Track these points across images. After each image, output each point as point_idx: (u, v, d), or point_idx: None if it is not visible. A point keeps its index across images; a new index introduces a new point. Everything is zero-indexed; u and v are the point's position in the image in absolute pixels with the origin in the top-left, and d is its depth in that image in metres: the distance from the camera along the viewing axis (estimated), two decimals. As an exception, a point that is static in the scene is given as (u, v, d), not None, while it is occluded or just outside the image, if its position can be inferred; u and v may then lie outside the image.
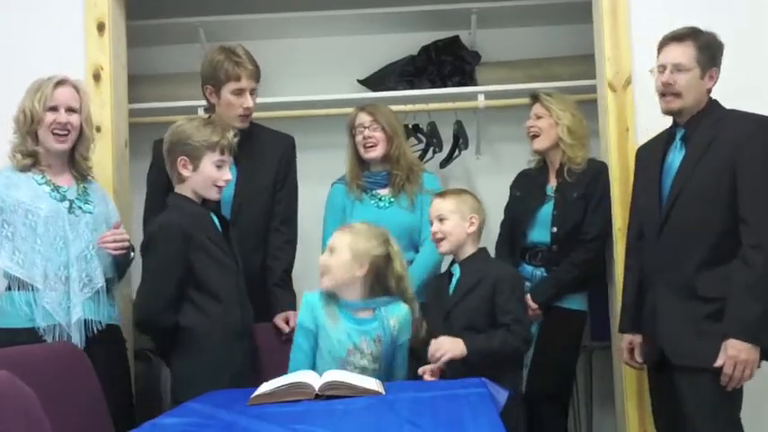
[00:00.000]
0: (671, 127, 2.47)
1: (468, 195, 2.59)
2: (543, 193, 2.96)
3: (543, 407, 2.79)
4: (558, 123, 2.92)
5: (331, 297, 2.42)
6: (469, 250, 2.52)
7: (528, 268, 2.92)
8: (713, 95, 2.42)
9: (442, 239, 2.52)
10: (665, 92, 2.37)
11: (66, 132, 2.45)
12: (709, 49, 2.36)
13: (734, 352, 2.17)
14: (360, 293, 2.41)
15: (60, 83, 2.47)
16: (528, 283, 2.82)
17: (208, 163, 2.40)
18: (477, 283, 2.44)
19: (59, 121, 2.43)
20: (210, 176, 2.40)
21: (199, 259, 2.35)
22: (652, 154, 2.50)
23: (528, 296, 2.77)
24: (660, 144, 2.48)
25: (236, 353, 2.39)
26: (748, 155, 2.25)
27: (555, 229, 2.88)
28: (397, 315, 2.45)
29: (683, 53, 2.35)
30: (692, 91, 2.35)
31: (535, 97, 3.03)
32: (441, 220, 2.52)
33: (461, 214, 2.50)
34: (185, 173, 2.41)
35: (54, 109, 2.43)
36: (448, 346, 2.33)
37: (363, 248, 2.42)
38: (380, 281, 2.44)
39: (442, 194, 2.60)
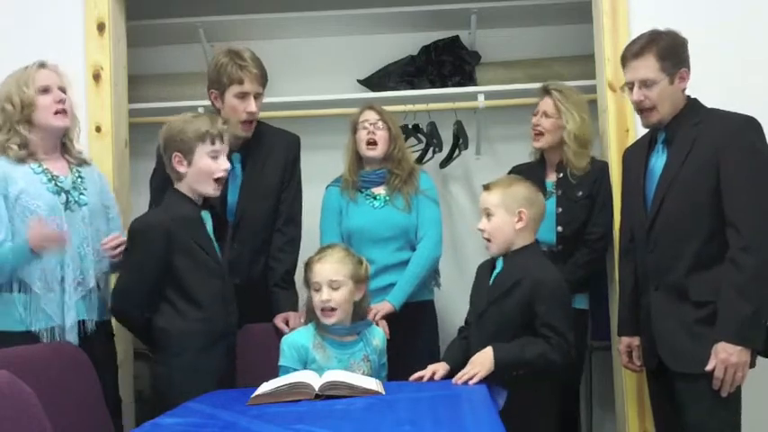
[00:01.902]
0: (652, 129, 2.47)
1: (518, 186, 2.40)
2: (543, 189, 2.85)
3: None
4: (565, 128, 2.84)
5: (321, 329, 2.39)
6: (520, 244, 2.36)
7: None
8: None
9: (488, 240, 2.37)
10: (640, 108, 2.37)
11: (65, 110, 2.41)
12: (671, 53, 2.33)
13: (724, 355, 2.16)
14: (350, 319, 2.41)
15: (43, 65, 2.43)
16: None
17: (201, 154, 2.37)
18: (516, 284, 2.28)
19: (60, 98, 2.39)
20: (206, 168, 2.38)
21: (181, 262, 2.33)
22: (636, 157, 2.50)
23: None
24: (643, 147, 2.48)
25: (216, 356, 2.37)
26: (731, 156, 2.23)
27: (560, 229, 2.84)
28: (377, 336, 2.46)
29: (645, 68, 2.32)
30: (667, 100, 2.34)
31: (546, 91, 2.92)
32: (487, 215, 2.36)
33: (508, 208, 2.33)
34: (181, 169, 2.40)
35: (46, 90, 2.39)
36: (478, 368, 2.17)
37: (363, 274, 2.43)
38: (359, 303, 2.44)
39: (488, 186, 2.41)
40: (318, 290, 2.36)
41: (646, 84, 2.32)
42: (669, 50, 2.33)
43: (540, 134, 2.91)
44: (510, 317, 2.28)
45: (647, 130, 2.54)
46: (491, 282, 2.37)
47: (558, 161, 2.92)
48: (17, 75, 2.41)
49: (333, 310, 2.35)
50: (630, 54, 2.36)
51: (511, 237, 2.35)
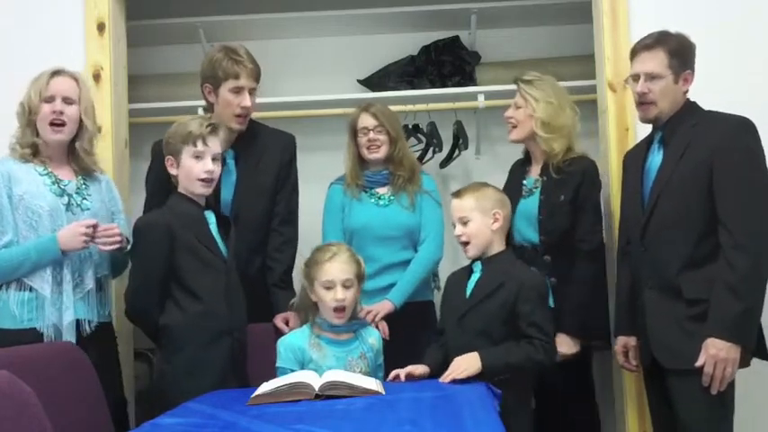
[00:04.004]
0: (651, 130, 2.49)
1: (489, 189, 2.43)
2: (519, 186, 2.80)
3: (572, 406, 2.72)
4: (533, 116, 2.72)
5: (317, 328, 2.40)
6: (495, 248, 2.38)
7: None
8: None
9: (466, 243, 2.37)
10: (642, 101, 2.39)
11: (61, 122, 2.41)
12: (680, 54, 2.37)
13: (713, 350, 2.18)
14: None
15: (57, 73, 2.44)
16: None
17: (186, 157, 2.40)
18: (499, 287, 2.29)
19: (55, 109, 2.40)
20: (190, 170, 2.40)
21: (183, 259, 2.36)
22: (635, 158, 2.52)
23: (561, 336, 2.57)
24: (642, 148, 2.51)
25: (217, 352, 2.38)
26: (726, 157, 2.25)
27: (544, 237, 2.68)
28: (373, 335, 2.48)
29: (654, 61, 2.35)
30: (668, 97, 2.37)
31: (516, 84, 2.82)
32: (464, 222, 2.36)
33: (483, 211, 2.35)
34: (173, 172, 2.44)
35: (50, 99, 2.40)
36: (465, 366, 2.18)
37: (363, 274, 2.45)
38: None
39: (459, 194, 2.42)
40: (331, 288, 2.36)
41: (652, 77, 2.36)
42: (679, 50, 2.37)
43: (514, 127, 2.79)
44: (492, 319, 2.29)
45: (646, 132, 2.55)
46: (471, 287, 2.38)
47: (540, 158, 2.77)
48: (35, 78, 2.44)
49: (344, 309, 2.36)
50: (642, 46, 2.40)
51: (489, 238, 2.37)
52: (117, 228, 2.44)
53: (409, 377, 2.30)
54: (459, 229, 2.38)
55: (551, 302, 2.60)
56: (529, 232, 2.73)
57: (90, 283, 2.43)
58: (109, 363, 2.50)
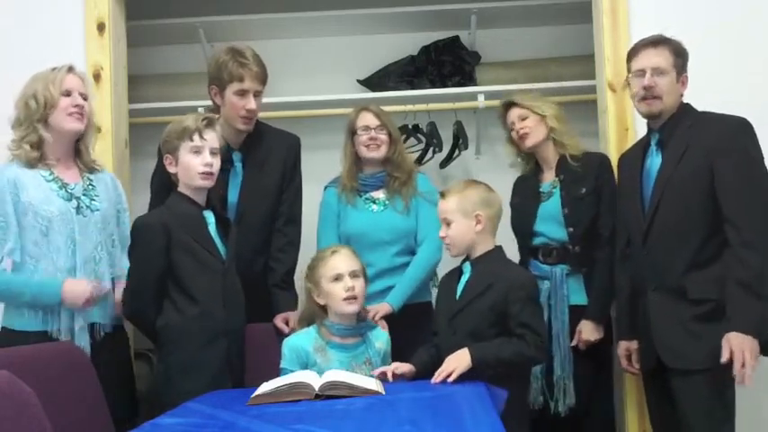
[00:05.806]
0: (647, 133, 2.50)
1: (473, 189, 2.39)
2: (537, 192, 2.84)
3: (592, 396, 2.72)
4: (545, 115, 2.79)
5: (324, 332, 2.41)
6: (483, 248, 2.35)
7: (544, 267, 2.76)
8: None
9: (449, 244, 2.39)
10: (647, 95, 2.39)
11: (82, 114, 2.43)
12: (681, 55, 2.41)
13: (736, 341, 2.16)
14: (354, 319, 2.43)
15: (71, 69, 2.46)
16: (547, 282, 2.69)
17: (184, 153, 2.41)
18: (488, 287, 2.28)
19: (77, 103, 2.40)
20: (189, 164, 2.40)
21: (180, 259, 2.36)
22: (632, 161, 2.53)
23: (585, 323, 2.66)
24: (639, 151, 2.51)
25: (213, 353, 2.38)
26: (725, 159, 2.26)
27: (571, 229, 2.73)
28: (381, 339, 2.48)
29: (661, 57, 2.38)
30: (672, 94, 2.39)
31: (511, 104, 2.86)
32: (447, 223, 2.37)
33: (465, 213, 2.33)
34: (172, 170, 2.44)
35: (68, 93, 2.41)
36: (455, 364, 2.17)
37: (365, 270, 2.47)
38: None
39: (444, 194, 2.42)
40: (340, 280, 2.38)
41: (658, 71, 2.37)
42: (679, 52, 2.41)
43: (526, 135, 2.81)
44: (482, 320, 2.28)
45: (645, 132, 2.55)
46: (461, 288, 2.37)
47: (553, 160, 2.83)
48: (45, 74, 2.43)
49: (356, 297, 2.38)
50: (646, 43, 2.42)
51: (471, 240, 2.35)
52: (108, 287, 2.43)
53: (393, 376, 2.29)
54: (442, 231, 2.39)
55: (585, 295, 2.70)
56: (557, 231, 2.76)
57: (107, 285, 2.43)
58: (122, 366, 2.51)
